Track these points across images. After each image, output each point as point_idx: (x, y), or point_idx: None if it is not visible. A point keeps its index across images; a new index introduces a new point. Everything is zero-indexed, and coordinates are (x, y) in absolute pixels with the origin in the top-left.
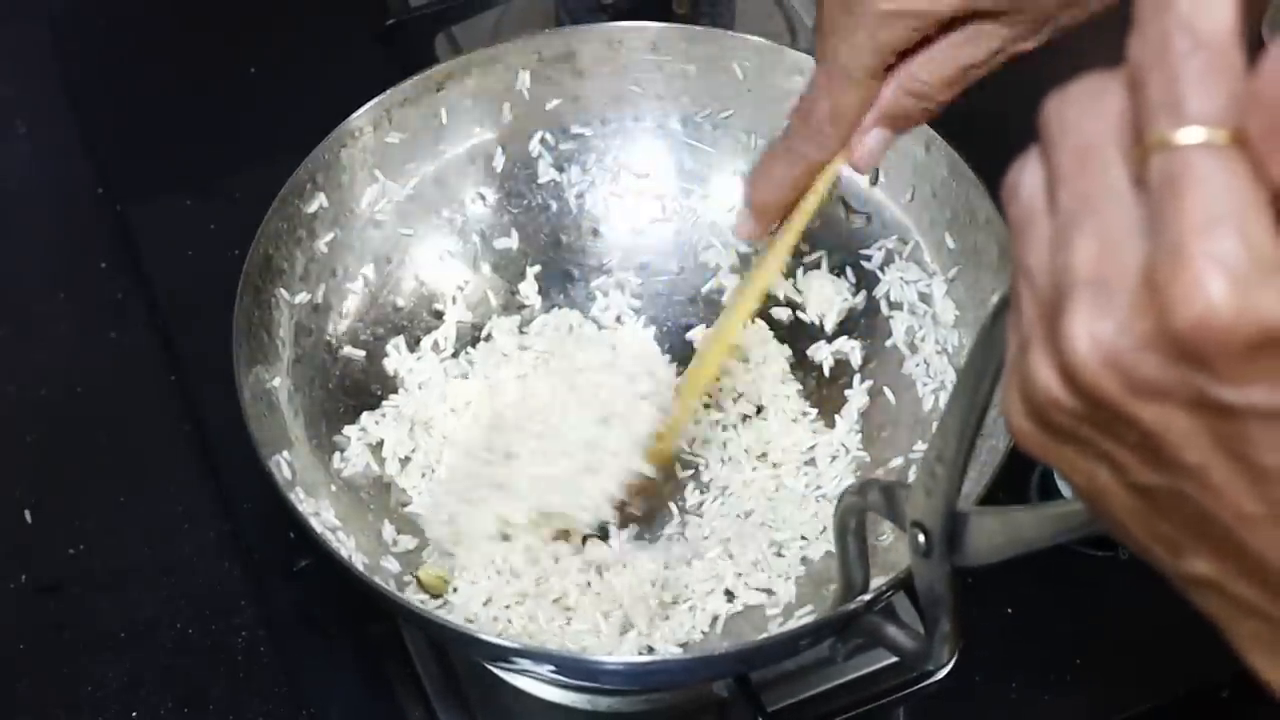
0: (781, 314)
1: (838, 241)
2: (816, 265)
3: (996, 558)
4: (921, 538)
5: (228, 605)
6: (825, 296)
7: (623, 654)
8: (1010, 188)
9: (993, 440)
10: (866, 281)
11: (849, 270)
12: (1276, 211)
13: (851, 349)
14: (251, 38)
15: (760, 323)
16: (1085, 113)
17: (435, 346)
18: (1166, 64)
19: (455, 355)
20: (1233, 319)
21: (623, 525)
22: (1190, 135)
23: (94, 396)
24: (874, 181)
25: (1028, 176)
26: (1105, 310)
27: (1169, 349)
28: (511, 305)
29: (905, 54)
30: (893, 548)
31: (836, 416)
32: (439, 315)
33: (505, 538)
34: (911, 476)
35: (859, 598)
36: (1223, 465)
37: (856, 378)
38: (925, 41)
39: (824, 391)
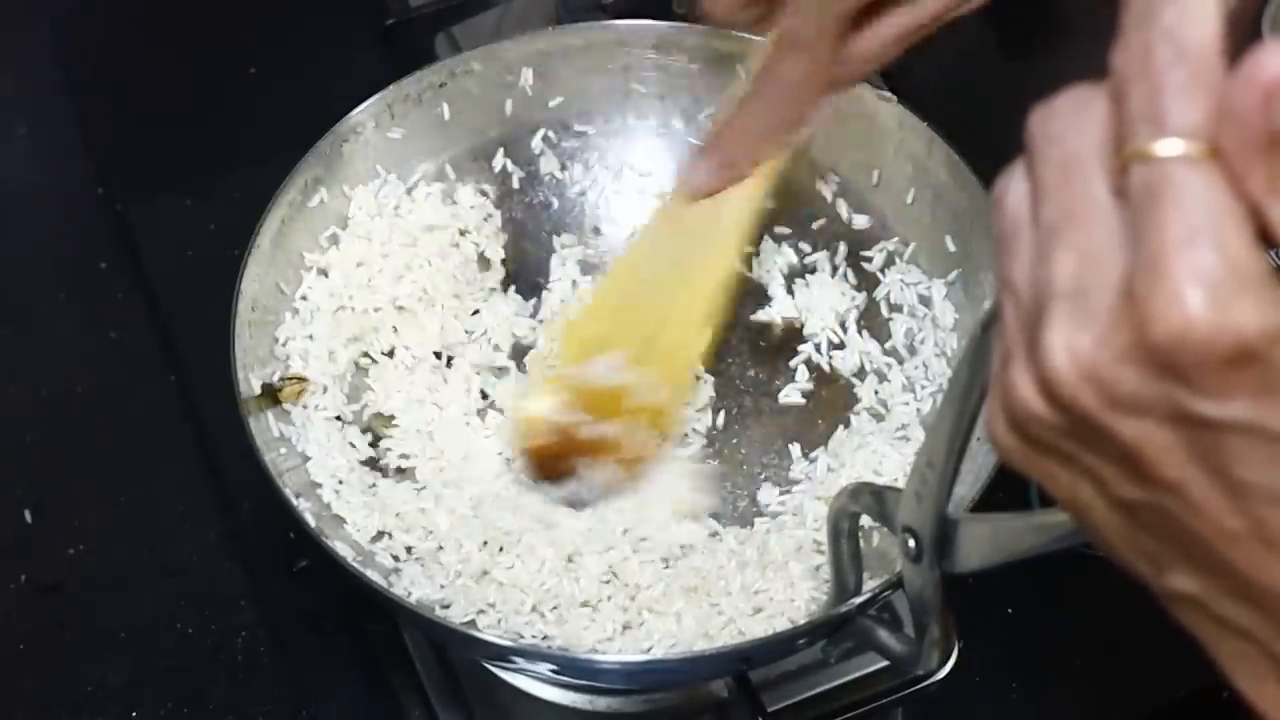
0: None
1: (838, 243)
2: (817, 267)
3: (986, 565)
4: (912, 543)
5: (228, 605)
6: (826, 298)
7: (622, 653)
8: (997, 200)
9: (989, 443)
10: (867, 283)
11: (849, 272)
12: (1255, 224)
13: (851, 350)
14: (251, 38)
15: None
16: (1069, 125)
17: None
18: (1149, 75)
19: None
20: (1210, 332)
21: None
22: (1169, 148)
23: (94, 396)
24: (875, 183)
25: (1013, 189)
26: (1083, 323)
27: (1147, 362)
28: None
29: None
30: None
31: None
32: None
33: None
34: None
35: (851, 600)
36: (1202, 480)
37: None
38: (874, 7)
39: (823, 393)
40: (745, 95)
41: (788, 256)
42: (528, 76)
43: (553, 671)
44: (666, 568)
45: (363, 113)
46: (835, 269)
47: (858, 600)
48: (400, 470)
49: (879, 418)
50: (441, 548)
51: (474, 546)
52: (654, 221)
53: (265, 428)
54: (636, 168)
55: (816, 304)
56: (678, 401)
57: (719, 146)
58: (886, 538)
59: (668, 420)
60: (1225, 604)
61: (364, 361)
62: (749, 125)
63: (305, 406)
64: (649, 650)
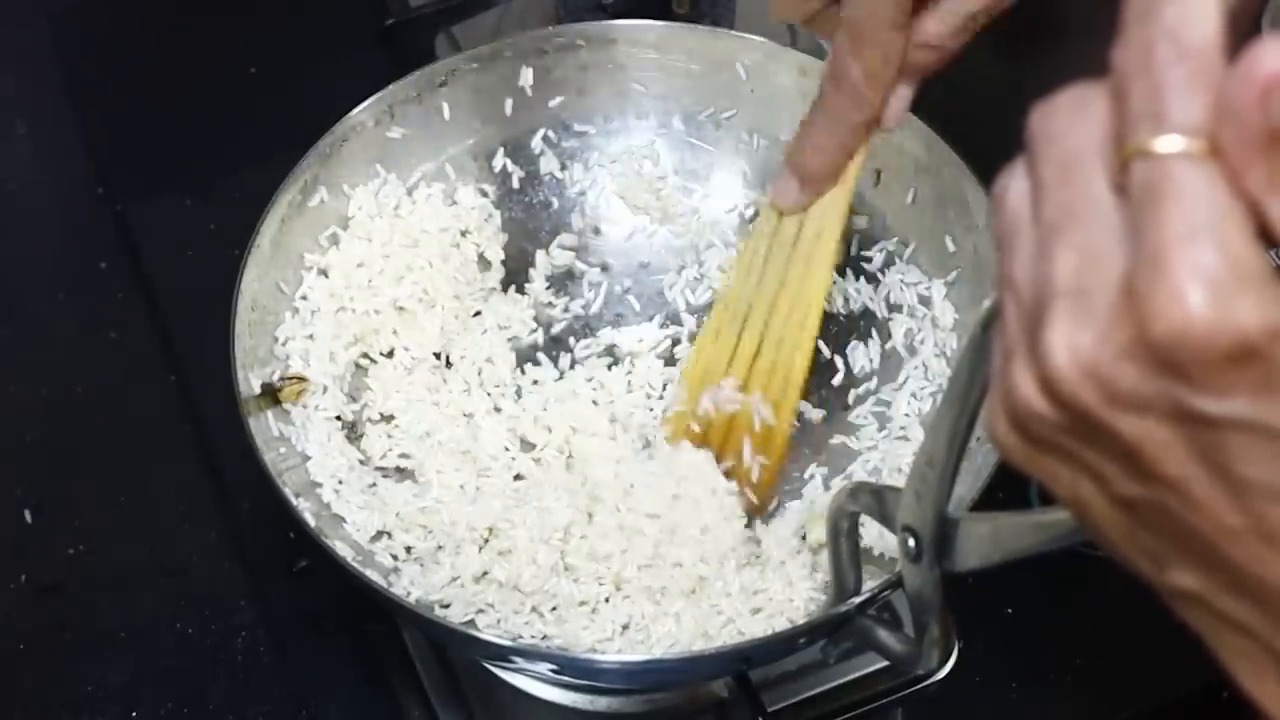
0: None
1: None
2: None
3: (986, 564)
4: (911, 542)
5: (228, 605)
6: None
7: (622, 653)
8: (997, 198)
9: (989, 442)
10: (867, 283)
11: (849, 272)
12: (1256, 222)
13: (851, 350)
14: (251, 38)
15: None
16: (1070, 123)
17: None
18: (1150, 73)
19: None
20: (1211, 329)
21: None
22: (1170, 144)
23: (94, 396)
24: (875, 183)
25: (1014, 187)
26: (1084, 321)
27: (1148, 360)
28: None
29: (916, 7)
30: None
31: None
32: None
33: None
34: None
35: (850, 600)
36: (1203, 477)
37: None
38: None
39: (822, 393)
40: (817, 101)
41: None
42: (528, 76)
43: (552, 671)
44: (666, 567)
45: (363, 113)
46: (835, 269)
47: (857, 600)
48: (400, 470)
49: (879, 418)
50: (441, 548)
51: (474, 547)
52: (747, 244)
53: (265, 428)
54: (636, 168)
55: None
56: (784, 422)
57: (800, 160)
58: (878, 540)
59: (776, 442)
60: (1226, 600)
61: (364, 362)
62: (826, 133)
63: (305, 406)
64: (649, 650)
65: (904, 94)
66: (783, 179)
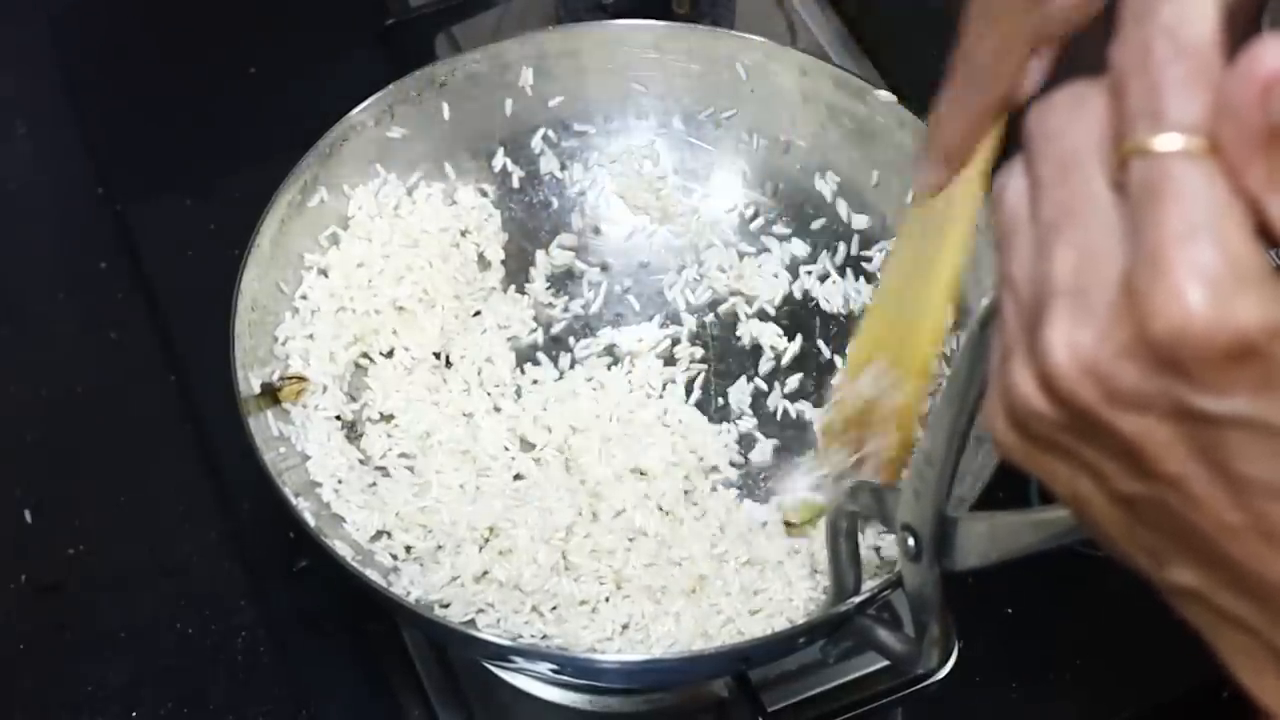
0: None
1: (838, 243)
2: (817, 267)
3: (985, 562)
4: (910, 541)
5: (228, 605)
6: (826, 298)
7: (622, 653)
8: (995, 197)
9: (989, 441)
10: (867, 283)
11: (849, 272)
12: (1255, 220)
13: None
14: (251, 38)
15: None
16: (1067, 121)
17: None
18: (1148, 71)
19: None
20: (1210, 327)
21: None
22: (1168, 143)
23: (94, 396)
24: (875, 183)
25: (1012, 186)
26: (1084, 319)
27: (1147, 358)
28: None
29: None
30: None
31: None
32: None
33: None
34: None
35: (850, 599)
36: (1202, 475)
37: None
38: None
39: (822, 393)
40: (947, 78)
41: (787, 256)
42: (528, 76)
43: (552, 671)
44: (666, 567)
45: (363, 113)
46: (835, 269)
47: (857, 599)
48: (400, 470)
49: None
50: (441, 547)
51: (474, 546)
52: (901, 227)
53: (265, 427)
54: (636, 168)
55: (816, 304)
56: (919, 396)
57: (935, 138)
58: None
59: (905, 416)
60: (1225, 597)
61: (364, 362)
62: (957, 108)
63: (305, 406)
64: (649, 650)
65: (1038, 65)
66: (919, 160)
